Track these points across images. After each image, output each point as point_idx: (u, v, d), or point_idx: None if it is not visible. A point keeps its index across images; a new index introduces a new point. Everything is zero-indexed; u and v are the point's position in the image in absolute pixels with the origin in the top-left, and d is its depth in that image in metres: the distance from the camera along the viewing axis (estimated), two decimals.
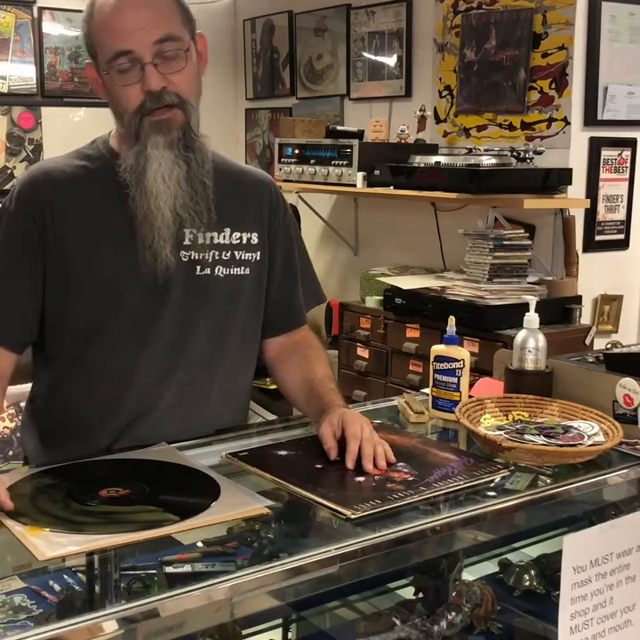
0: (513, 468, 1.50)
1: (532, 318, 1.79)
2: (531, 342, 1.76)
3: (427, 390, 1.86)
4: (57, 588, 1.24)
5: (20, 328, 1.61)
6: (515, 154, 3.44)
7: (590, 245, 3.65)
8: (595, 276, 3.63)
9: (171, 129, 1.53)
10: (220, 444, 1.63)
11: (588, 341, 3.40)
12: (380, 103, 4.36)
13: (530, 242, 3.46)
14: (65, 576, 1.22)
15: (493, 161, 3.43)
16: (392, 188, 3.70)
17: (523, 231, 3.46)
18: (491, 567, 1.81)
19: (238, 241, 1.67)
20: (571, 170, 3.50)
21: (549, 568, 1.78)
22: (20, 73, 4.72)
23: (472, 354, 2.94)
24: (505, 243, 3.36)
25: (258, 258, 1.70)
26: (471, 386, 1.86)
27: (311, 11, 4.69)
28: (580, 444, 1.54)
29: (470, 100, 3.88)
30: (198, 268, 1.62)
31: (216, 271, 1.64)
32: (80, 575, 1.21)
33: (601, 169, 3.61)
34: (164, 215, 1.54)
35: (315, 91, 4.76)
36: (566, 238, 3.53)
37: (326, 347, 3.55)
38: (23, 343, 1.64)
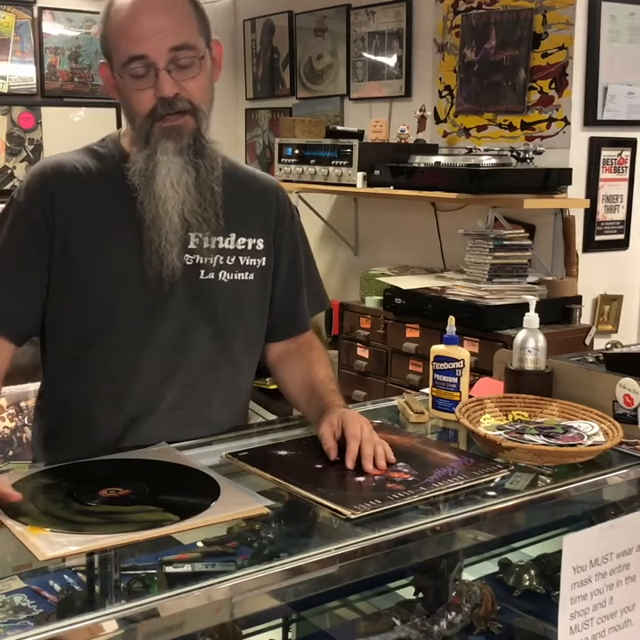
0: (513, 467, 1.50)
1: (531, 318, 1.79)
2: (531, 342, 1.76)
3: (427, 390, 1.86)
4: (57, 587, 1.24)
5: (23, 319, 1.60)
6: (515, 154, 3.44)
7: (590, 245, 3.65)
8: (594, 276, 3.64)
9: (181, 135, 1.53)
10: (220, 443, 1.63)
11: (587, 341, 3.40)
12: (379, 103, 4.36)
13: (530, 242, 3.46)
14: (65, 576, 1.22)
15: (493, 161, 3.43)
16: (392, 188, 3.70)
17: (523, 231, 3.46)
18: (491, 567, 1.80)
19: (243, 246, 1.67)
20: (571, 170, 3.50)
21: (549, 568, 1.78)
22: (20, 73, 4.73)
23: (472, 354, 2.94)
24: (505, 243, 3.36)
25: (263, 263, 1.69)
26: (471, 386, 1.86)
27: (311, 11, 4.69)
28: (580, 443, 1.54)
29: (470, 100, 3.88)
30: (202, 271, 1.62)
31: (220, 276, 1.63)
32: (80, 575, 1.21)
33: (601, 169, 3.61)
34: (171, 220, 1.54)
35: (315, 91, 4.76)
36: (566, 238, 3.53)
37: (326, 347, 3.54)
38: (23, 335, 1.62)
